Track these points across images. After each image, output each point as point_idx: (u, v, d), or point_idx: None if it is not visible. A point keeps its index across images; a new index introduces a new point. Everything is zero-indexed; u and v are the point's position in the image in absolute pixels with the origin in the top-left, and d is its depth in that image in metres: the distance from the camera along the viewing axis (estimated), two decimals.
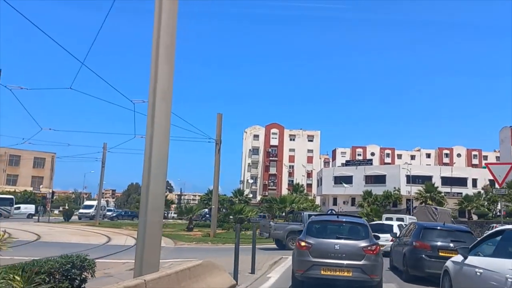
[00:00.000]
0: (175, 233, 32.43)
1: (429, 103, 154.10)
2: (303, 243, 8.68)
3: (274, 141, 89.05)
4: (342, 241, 8.64)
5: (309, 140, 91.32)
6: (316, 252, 8.46)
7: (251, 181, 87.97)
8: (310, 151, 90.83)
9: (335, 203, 66.57)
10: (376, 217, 39.74)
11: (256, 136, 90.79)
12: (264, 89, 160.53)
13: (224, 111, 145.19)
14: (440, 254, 10.26)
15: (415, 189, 57.34)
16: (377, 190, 60.54)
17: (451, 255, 9.02)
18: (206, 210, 56.86)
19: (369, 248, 8.45)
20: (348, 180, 66.30)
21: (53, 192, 53.56)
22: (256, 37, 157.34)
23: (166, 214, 51.26)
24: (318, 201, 74.38)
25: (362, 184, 64.36)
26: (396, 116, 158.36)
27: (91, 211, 51.09)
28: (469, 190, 59.63)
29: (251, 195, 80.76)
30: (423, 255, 10.51)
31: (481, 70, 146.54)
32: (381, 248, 9.43)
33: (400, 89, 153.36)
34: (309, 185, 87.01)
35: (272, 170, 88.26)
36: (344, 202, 67.35)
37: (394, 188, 60.39)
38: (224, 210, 48.07)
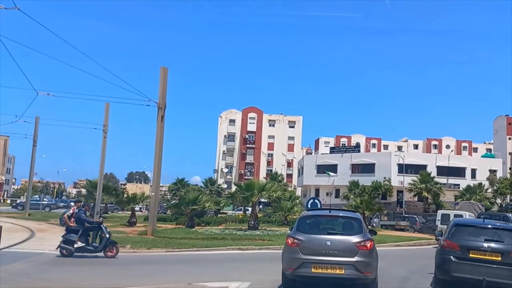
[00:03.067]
0: (111, 229, 24.76)
1: (417, 93, 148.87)
2: (292, 240, 8.22)
3: (251, 127, 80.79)
4: (334, 236, 8.21)
5: (290, 127, 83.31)
6: (306, 249, 8.00)
7: (225, 170, 79.95)
8: (291, 138, 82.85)
9: (317, 195, 58.99)
10: (367, 209, 32.53)
11: (232, 121, 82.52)
12: (241, 68, 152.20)
13: (199, 93, 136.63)
14: (471, 255, 8.68)
15: (408, 179, 50.24)
16: (365, 180, 53.27)
17: (484, 257, 8.57)
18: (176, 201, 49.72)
19: (362, 243, 8.03)
20: (332, 169, 58.75)
21: None
22: (235, 15, 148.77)
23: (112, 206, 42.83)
24: (299, 192, 66.91)
25: (348, 174, 56.90)
26: (382, 105, 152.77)
27: None
28: (467, 182, 52.69)
29: (225, 186, 72.85)
30: (451, 257, 8.88)
31: (470, 64, 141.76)
32: None
33: (387, 78, 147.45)
34: (290, 175, 79.42)
35: (249, 159, 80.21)
36: (327, 194, 59.91)
37: (384, 178, 53.11)
38: (174, 201, 40.27)
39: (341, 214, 9.02)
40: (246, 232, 22.20)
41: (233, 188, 71.37)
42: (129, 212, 29.96)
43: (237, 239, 18.92)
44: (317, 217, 9.13)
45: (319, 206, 17.99)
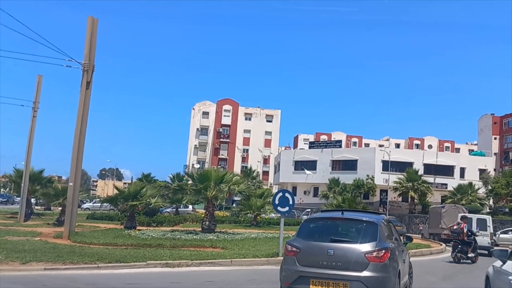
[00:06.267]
0: (26, 229, 19.86)
1: (399, 92, 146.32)
2: (290, 248, 6.95)
3: (226, 120, 75.43)
4: (338, 244, 6.67)
5: (267, 121, 78.27)
6: (304, 260, 6.68)
7: (197, 166, 74.41)
8: (268, 133, 77.83)
9: (294, 193, 54.14)
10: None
11: (205, 114, 77.03)
12: (217, 59, 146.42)
13: (172, 84, 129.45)
14: None
15: (393, 177, 45.83)
16: (346, 178, 48.78)
17: None
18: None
19: (374, 254, 6.47)
20: (311, 165, 53.98)
21: None
22: (215, 5, 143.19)
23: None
24: (275, 190, 61.97)
25: (328, 171, 52.27)
26: (363, 103, 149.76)
27: None
28: (455, 181, 48.66)
29: None
30: None
31: (453, 63, 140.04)
32: None
33: (369, 76, 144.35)
34: (266, 173, 74.59)
35: (223, 154, 74.89)
36: (305, 192, 55.31)
37: (367, 176, 48.62)
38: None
39: (351, 217, 7.29)
40: (196, 236, 16.94)
41: None
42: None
43: (178, 247, 13.70)
44: (323, 220, 7.62)
45: (290, 201, 13.08)
